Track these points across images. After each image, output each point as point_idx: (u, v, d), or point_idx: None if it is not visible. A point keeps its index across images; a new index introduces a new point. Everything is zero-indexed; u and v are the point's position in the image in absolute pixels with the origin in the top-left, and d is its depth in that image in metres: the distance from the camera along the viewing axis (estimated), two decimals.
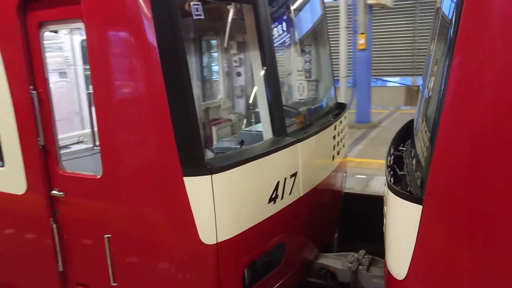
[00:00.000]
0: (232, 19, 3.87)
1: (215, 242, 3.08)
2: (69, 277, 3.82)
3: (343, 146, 4.95)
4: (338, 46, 13.77)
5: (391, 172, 2.97)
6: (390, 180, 2.67)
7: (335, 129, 4.50)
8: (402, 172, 2.86)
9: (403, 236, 2.39)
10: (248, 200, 3.30)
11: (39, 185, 3.63)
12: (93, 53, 3.14)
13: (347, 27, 13.75)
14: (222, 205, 3.07)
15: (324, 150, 4.30)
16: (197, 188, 2.99)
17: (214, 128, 4.39)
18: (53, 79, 4.52)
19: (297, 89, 5.01)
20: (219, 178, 3.02)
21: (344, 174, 5.37)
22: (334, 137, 4.48)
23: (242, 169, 3.18)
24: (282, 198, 3.55)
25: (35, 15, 3.33)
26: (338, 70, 13.09)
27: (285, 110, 3.94)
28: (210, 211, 3.02)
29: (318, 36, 5.26)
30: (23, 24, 3.37)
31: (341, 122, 4.75)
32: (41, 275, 3.94)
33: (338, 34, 13.79)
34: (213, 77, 5.42)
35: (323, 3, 5.20)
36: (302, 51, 4.93)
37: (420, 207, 2.21)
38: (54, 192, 3.63)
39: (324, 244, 4.72)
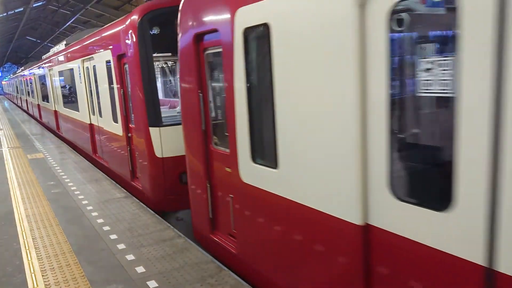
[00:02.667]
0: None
1: (161, 157, 7.06)
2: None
3: None
4: None
5: None
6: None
7: None
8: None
9: None
10: (176, 142, 6.79)
11: (126, 130, 8.22)
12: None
13: None
14: (164, 140, 7.03)
15: None
16: (154, 133, 7.02)
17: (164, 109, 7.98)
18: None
19: None
20: (163, 129, 7.02)
21: None
22: None
23: (170, 128, 7.03)
24: None
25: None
26: None
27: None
28: (158, 142, 7.04)
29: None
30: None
31: None
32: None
33: None
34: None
35: None
36: None
37: None
38: (129, 134, 8.12)
39: None
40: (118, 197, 7.93)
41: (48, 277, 4.84)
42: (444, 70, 2.44)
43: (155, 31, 6.96)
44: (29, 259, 5.37)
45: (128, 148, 8.23)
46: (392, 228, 2.73)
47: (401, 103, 2.83)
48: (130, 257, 5.26)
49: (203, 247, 5.60)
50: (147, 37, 6.87)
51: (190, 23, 4.92)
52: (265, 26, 3.58)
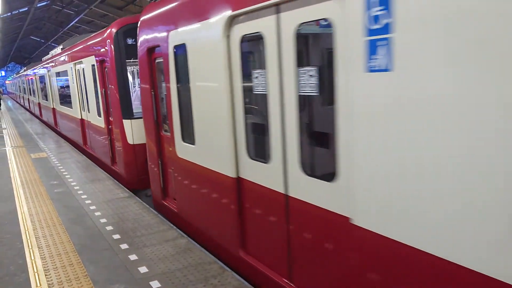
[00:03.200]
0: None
1: (133, 144, 8.62)
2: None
3: None
4: None
5: None
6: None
7: None
8: None
9: None
10: (142, 131, 8.15)
11: (107, 123, 10.01)
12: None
13: None
14: (134, 130, 8.62)
15: None
16: (127, 124, 8.66)
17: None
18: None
19: None
20: (134, 121, 8.63)
21: None
22: None
23: (140, 120, 8.21)
24: None
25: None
26: None
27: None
28: (131, 132, 8.64)
29: None
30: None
31: None
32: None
33: None
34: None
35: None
36: None
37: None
38: (109, 126, 9.81)
39: None
40: (121, 196, 7.93)
41: (51, 277, 4.84)
42: (262, 78, 3.95)
43: (129, 41, 8.62)
44: (32, 258, 5.37)
45: (109, 138, 9.98)
46: (248, 177, 4.40)
47: (247, 98, 4.32)
48: (133, 257, 5.25)
49: (158, 211, 7.19)
50: (121, 46, 8.61)
51: (144, 39, 6.56)
52: (184, 45, 5.19)
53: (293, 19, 3.45)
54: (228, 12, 4.20)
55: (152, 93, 6.62)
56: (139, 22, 6.74)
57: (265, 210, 4.23)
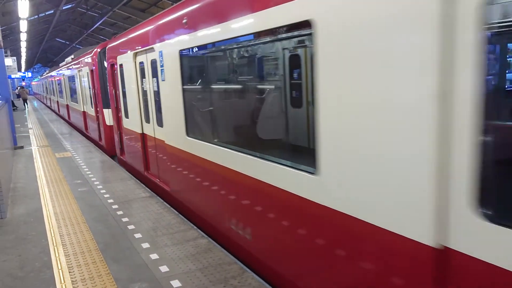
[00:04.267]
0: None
1: (109, 125, 12.92)
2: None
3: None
4: None
5: None
6: None
7: None
8: None
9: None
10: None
11: (96, 112, 14.36)
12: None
13: None
14: (110, 115, 12.43)
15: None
16: (106, 112, 13.05)
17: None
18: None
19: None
20: (109, 109, 12.48)
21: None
22: None
23: (109, 109, 12.73)
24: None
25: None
26: None
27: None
28: (108, 116, 12.93)
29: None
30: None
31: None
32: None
33: None
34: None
35: None
36: None
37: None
38: (98, 114, 14.15)
39: None
40: (143, 196, 8.04)
41: (74, 274, 4.94)
42: (145, 83, 8.24)
43: None
44: (57, 255, 5.49)
45: (97, 122, 14.25)
46: (145, 131, 8.75)
47: (143, 93, 8.49)
48: (154, 256, 5.32)
49: (120, 164, 11.32)
50: (102, 61, 12.84)
51: (109, 58, 10.81)
52: (122, 65, 9.50)
53: (149, 57, 7.58)
54: (134, 50, 8.40)
55: (114, 91, 10.87)
56: (107, 48, 11.10)
57: (150, 147, 8.45)
